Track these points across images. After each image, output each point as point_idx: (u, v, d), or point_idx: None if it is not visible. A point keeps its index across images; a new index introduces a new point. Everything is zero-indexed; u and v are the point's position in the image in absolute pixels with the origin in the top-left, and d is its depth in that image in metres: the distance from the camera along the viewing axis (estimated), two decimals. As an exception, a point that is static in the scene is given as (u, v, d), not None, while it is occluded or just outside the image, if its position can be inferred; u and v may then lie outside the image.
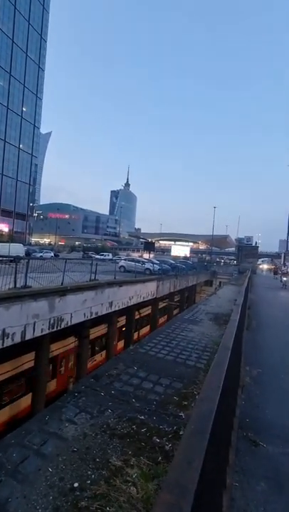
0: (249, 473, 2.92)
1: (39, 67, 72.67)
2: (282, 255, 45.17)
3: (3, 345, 7.34)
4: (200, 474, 0.87)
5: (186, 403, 4.58)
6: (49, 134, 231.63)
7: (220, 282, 40.90)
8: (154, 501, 2.64)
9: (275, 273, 38.07)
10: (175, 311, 24.03)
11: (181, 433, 3.85)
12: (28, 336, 8.12)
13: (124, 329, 15.93)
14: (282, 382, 4.90)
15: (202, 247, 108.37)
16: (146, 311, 19.35)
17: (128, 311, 15.05)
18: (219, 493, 1.90)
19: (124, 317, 15.73)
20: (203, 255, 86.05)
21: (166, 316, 23.13)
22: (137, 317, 17.36)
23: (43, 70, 74.47)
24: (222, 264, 67.33)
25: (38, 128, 76.62)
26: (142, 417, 4.23)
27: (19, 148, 69.02)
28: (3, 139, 63.61)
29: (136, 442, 3.75)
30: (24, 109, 69.13)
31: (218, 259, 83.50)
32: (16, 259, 9.92)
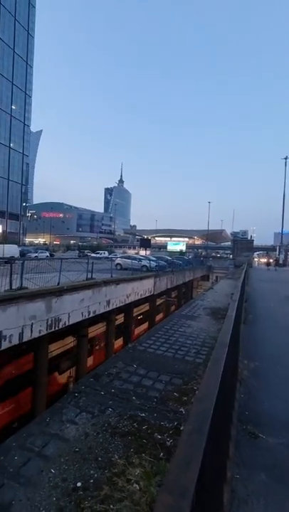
0: (249, 465, 2.96)
1: (27, 63, 71.31)
2: (277, 248, 45.63)
3: (0, 347, 7.30)
4: (199, 473, 0.87)
5: (186, 399, 4.62)
6: (40, 132, 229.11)
7: (216, 277, 41.11)
8: (155, 502, 2.67)
9: (268, 265, 38.81)
10: (173, 307, 24.12)
11: (181, 428, 3.89)
12: (26, 338, 8.08)
13: (122, 327, 15.95)
14: (279, 374, 4.97)
15: (198, 242, 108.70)
16: (144, 308, 19.38)
17: (126, 308, 15.05)
18: (219, 488, 1.92)
19: (122, 315, 15.74)
20: (199, 250, 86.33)
21: (163, 313, 23.23)
22: (135, 314, 17.38)
23: (31, 67, 73.11)
24: (218, 257, 67.67)
25: (29, 126, 75.40)
26: (143, 415, 4.26)
27: (10, 147, 67.98)
28: (-7, 138, 62.55)
29: (137, 440, 3.78)
30: (13, 107, 67.93)
31: (214, 254, 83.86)
32: (10, 261, 9.84)
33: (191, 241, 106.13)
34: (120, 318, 15.73)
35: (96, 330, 13.55)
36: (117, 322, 15.11)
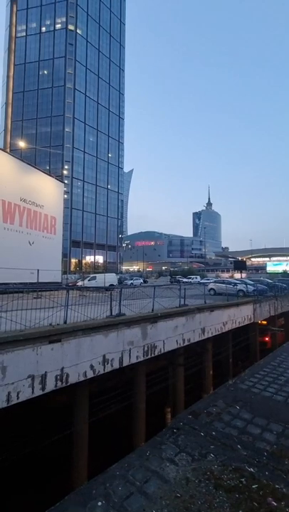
0: None
1: (119, 117, 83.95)
2: None
3: (104, 370, 7.85)
4: None
5: (308, 460, 3.73)
6: (131, 171, 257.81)
7: None
8: None
9: None
10: (279, 339, 21.01)
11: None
12: (125, 363, 8.47)
13: (219, 359, 14.81)
14: None
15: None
16: (244, 338, 17.61)
17: (222, 338, 14.04)
18: None
19: (219, 345, 14.70)
20: (309, 270, 74.30)
21: (268, 345, 20.45)
22: (233, 345, 15.95)
23: (123, 119, 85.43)
24: None
25: (122, 168, 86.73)
26: (252, 470, 3.65)
27: (107, 188, 79.35)
28: (94, 183, 74.60)
29: (247, 501, 3.23)
30: (110, 155, 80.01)
31: None
32: (110, 288, 10.87)
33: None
34: (217, 349, 14.72)
35: (190, 360, 13.04)
36: (213, 353, 14.17)
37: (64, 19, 69.29)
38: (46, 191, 21.70)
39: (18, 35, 73.05)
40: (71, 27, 69.15)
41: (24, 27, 72.49)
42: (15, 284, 15.69)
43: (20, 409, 6.21)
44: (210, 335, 12.06)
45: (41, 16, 71.26)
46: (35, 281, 16.26)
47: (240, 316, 14.52)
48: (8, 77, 73.39)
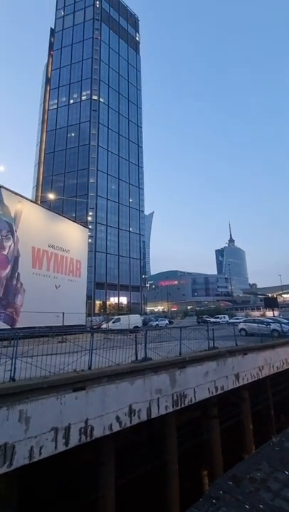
0: None
1: (138, 166, 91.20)
2: None
3: (130, 422, 7.21)
4: None
5: None
6: (152, 213, 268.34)
7: None
8: None
9: None
10: None
11: None
12: (154, 414, 7.77)
13: (258, 410, 13.13)
14: None
15: None
16: (285, 386, 15.72)
17: (259, 385, 12.64)
18: None
19: (256, 394, 13.16)
20: None
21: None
22: (272, 394, 14.22)
23: (142, 168, 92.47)
24: None
25: (143, 211, 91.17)
26: None
27: (129, 231, 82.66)
28: (116, 227, 78.33)
29: None
30: (131, 200, 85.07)
31: None
32: (135, 331, 10.57)
33: None
34: (254, 399, 13.16)
35: (225, 411, 11.70)
36: (251, 404, 12.65)
37: (89, 92, 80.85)
38: (72, 237, 22.95)
39: (50, 108, 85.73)
40: (95, 97, 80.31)
41: (56, 101, 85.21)
42: (40, 327, 15.83)
43: (37, 468, 5.69)
44: (245, 382, 10.95)
45: (70, 91, 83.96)
46: (61, 324, 16.32)
47: (278, 359, 13.21)
48: (41, 141, 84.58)
